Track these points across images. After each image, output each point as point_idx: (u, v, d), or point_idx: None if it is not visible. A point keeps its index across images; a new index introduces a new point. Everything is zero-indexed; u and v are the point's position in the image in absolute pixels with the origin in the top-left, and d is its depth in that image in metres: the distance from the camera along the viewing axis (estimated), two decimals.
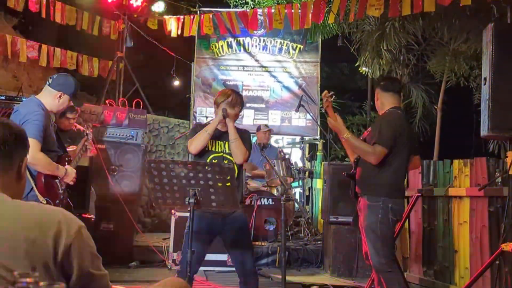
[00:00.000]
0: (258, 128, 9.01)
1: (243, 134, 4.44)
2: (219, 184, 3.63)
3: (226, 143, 4.34)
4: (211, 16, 9.78)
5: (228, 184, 3.64)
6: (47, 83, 4.33)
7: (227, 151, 4.34)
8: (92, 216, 6.31)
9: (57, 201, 4.19)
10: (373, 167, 4.36)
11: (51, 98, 4.28)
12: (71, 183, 4.33)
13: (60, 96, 4.28)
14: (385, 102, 4.59)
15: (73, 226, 1.84)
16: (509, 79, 4.26)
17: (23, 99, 5.58)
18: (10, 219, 1.80)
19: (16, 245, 1.74)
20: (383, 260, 4.29)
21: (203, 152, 4.34)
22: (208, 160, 4.29)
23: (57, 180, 4.21)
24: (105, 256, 1.98)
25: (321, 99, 11.14)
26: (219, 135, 4.40)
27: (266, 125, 9.21)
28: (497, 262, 4.44)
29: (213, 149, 4.36)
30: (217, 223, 4.25)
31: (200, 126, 4.43)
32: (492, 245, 5.25)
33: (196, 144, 4.30)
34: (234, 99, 4.37)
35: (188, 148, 4.38)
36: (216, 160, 4.29)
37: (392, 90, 4.59)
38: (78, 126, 6.67)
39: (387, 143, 4.29)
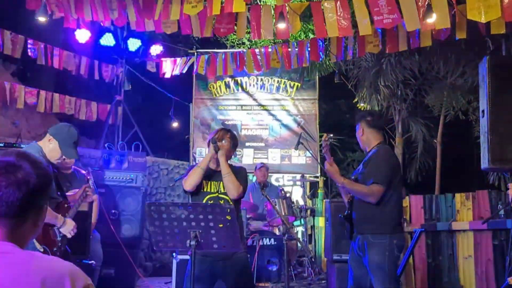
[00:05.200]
0: (256, 167, 8.99)
1: (239, 171, 4.42)
2: (220, 225, 3.58)
3: (221, 183, 4.32)
4: (206, 57, 9.83)
5: (229, 224, 3.59)
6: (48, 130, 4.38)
7: (222, 190, 4.31)
8: (92, 261, 6.24)
9: (54, 249, 4.14)
10: (374, 205, 4.35)
11: (46, 142, 4.30)
12: (69, 235, 4.27)
13: (49, 140, 4.30)
14: (371, 137, 4.60)
15: (79, 284, 1.77)
16: (506, 110, 4.27)
17: (22, 146, 5.57)
18: (12, 276, 1.67)
19: None
20: None
21: (199, 193, 4.32)
22: (203, 201, 4.26)
23: (55, 228, 4.17)
24: None
25: (321, 136, 11.18)
26: (213, 175, 4.38)
27: (262, 163, 9.19)
28: None
29: (208, 189, 4.33)
30: (219, 266, 4.19)
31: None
32: (498, 279, 5.19)
33: (190, 180, 4.27)
34: (221, 133, 4.41)
35: (183, 186, 4.34)
36: (212, 201, 4.26)
37: (378, 127, 4.65)
38: (82, 171, 6.63)
39: (384, 181, 4.32)
